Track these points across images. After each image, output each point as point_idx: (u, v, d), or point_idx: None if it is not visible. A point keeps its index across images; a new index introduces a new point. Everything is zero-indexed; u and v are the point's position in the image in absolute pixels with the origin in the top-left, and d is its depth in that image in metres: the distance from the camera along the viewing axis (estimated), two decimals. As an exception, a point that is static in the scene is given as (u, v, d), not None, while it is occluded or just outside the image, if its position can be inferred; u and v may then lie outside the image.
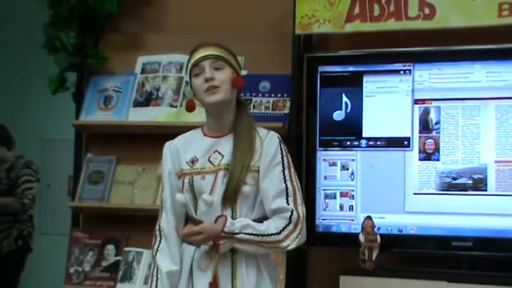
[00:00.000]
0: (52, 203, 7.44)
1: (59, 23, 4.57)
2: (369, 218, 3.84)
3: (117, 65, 4.63)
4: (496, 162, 3.82)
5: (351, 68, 4.10)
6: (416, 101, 3.97)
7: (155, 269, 3.03)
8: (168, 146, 3.10)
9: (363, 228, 3.83)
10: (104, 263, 4.41)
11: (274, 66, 4.30)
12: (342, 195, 4.03)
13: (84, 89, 4.61)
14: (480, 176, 3.84)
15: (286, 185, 2.99)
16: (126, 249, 4.40)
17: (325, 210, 4.04)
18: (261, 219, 2.98)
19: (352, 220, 4.00)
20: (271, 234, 2.93)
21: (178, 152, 3.06)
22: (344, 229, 4.02)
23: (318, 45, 4.31)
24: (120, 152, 4.54)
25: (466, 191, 3.85)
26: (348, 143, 4.04)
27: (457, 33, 3.93)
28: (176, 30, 4.53)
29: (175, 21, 4.59)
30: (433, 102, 3.94)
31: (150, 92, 4.48)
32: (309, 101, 4.15)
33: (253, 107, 4.28)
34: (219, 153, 3.01)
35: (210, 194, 2.96)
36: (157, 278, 3.01)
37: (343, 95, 4.07)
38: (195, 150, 3.04)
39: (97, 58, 4.60)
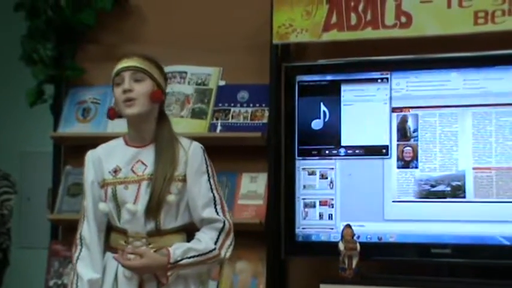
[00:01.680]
0: (32, 217, 7.38)
1: (36, 35, 4.55)
2: (348, 226, 3.84)
3: (95, 76, 4.62)
4: (473, 169, 3.83)
5: (329, 77, 4.11)
6: (394, 109, 3.98)
7: (75, 277, 3.02)
8: (91, 155, 3.12)
9: (342, 236, 3.83)
10: (84, 276, 4.38)
11: (252, 76, 4.30)
12: (321, 204, 4.03)
13: (62, 101, 4.60)
14: (458, 183, 3.85)
15: (213, 194, 3.06)
16: (106, 261, 4.38)
17: (304, 219, 4.05)
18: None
19: (332, 229, 4.01)
20: (212, 250, 3.00)
21: (100, 161, 3.08)
22: (324, 238, 4.02)
23: (296, 54, 4.32)
24: (99, 164, 4.51)
25: (445, 198, 3.86)
26: (327, 151, 4.05)
27: (434, 41, 3.95)
28: (154, 41, 4.52)
29: (153, 32, 4.59)
30: (410, 110, 3.96)
31: (128, 103, 4.47)
32: (287, 111, 4.15)
33: (232, 117, 4.28)
34: (142, 163, 3.04)
35: (134, 203, 2.98)
36: (77, 286, 3.00)
37: (321, 104, 4.07)
38: (117, 159, 3.06)
39: (75, 70, 4.58)
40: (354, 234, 3.82)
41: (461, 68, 3.91)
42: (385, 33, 3.97)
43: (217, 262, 3.10)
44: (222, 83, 4.40)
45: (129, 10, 4.64)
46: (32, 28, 4.57)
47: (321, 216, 4.03)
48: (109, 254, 3.05)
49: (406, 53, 4.01)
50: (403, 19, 3.94)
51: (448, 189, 3.86)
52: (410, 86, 3.98)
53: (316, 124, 4.08)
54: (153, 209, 2.96)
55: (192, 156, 3.03)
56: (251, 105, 4.30)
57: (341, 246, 3.81)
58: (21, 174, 7.16)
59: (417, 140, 3.92)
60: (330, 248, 3.89)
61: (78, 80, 4.62)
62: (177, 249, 2.96)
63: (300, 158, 4.08)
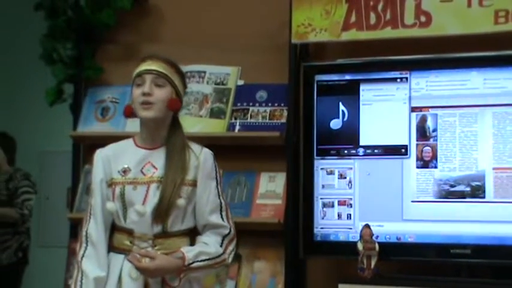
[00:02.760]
0: (51, 216, 7.43)
1: (56, 34, 4.58)
2: (367, 226, 3.83)
3: (114, 76, 4.63)
4: (493, 169, 3.81)
5: (348, 77, 4.10)
6: (413, 109, 3.96)
7: (79, 274, 3.00)
8: (100, 154, 3.12)
9: (361, 236, 3.82)
10: (103, 275, 4.39)
11: (270, 75, 4.30)
12: (340, 203, 4.02)
13: (81, 100, 4.61)
14: (478, 183, 3.83)
15: (220, 200, 3.08)
16: (125, 260, 4.39)
17: (323, 219, 4.04)
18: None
19: (350, 228, 3.99)
20: (221, 255, 3.04)
21: (109, 161, 3.08)
22: (342, 238, 4.01)
23: (315, 54, 4.31)
24: (117, 163, 4.53)
25: (464, 198, 3.84)
26: (346, 151, 4.04)
27: (454, 41, 3.93)
28: (173, 41, 4.53)
29: (172, 31, 4.60)
30: (430, 109, 3.94)
31: (147, 102, 4.48)
32: (305, 110, 4.14)
33: (250, 117, 4.28)
34: (152, 165, 3.04)
35: (142, 204, 2.98)
36: (81, 283, 2.98)
37: (340, 103, 4.06)
38: (126, 160, 3.06)
39: (94, 69, 4.60)
40: (372, 234, 3.81)
41: (482, 68, 3.89)
42: (404, 33, 3.96)
43: (223, 267, 3.13)
44: (240, 82, 4.40)
45: (148, 9, 4.64)
46: (51, 28, 4.59)
47: (339, 216, 4.02)
48: (112, 254, 3.04)
49: (425, 52, 3.99)
50: (423, 18, 3.92)
51: (468, 189, 3.84)
52: (429, 86, 3.96)
53: (335, 124, 4.07)
54: (162, 212, 2.97)
55: (203, 162, 3.05)
56: (270, 104, 4.30)
57: (360, 246, 3.80)
58: (41, 174, 7.21)
59: (436, 140, 3.91)
60: (348, 248, 3.89)
61: (97, 80, 4.64)
62: (189, 252, 2.97)
63: (319, 157, 4.07)
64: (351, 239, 3.96)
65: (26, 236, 5.98)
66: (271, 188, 4.24)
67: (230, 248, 3.08)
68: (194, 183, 3.03)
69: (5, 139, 6.06)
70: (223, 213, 3.08)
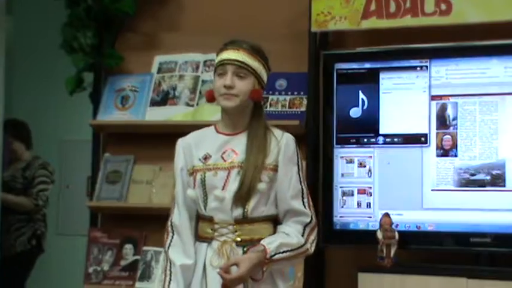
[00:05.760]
0: (70, 204, 7.46)
1: (76, 23, 4.58)
2: (386, 215, 3.83)
3: (133, 64, 4.64)
4: (514, 157, 3.81)
5: (368, 65, 4.09)
6: (433, 97, 3.95)
7: (168, 264, 3.02)
8: (181, 143, 3.10)
9: (380, 225, 3.82)
10: (123, 262, 4.42)
11: (290, 64, 4.29)
12: (360, 192, 4.02)
13: (101, 89, 4.62)
14: (498, 172, 3.82)
15: (301, 186, 3.02)
16: (145, 248, 4.41)
17: (342, 207, 4.04)
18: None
19: (370, 217, 3.99)
20: (303, 245, 2.98)
21: (190, 149, 3.06)
22: (362, 226, 4.01)
23: (334, 42, 4.30)
24: (137, 152, 4.55)
25: (484, 186, 3.83)
26: (365, 140, 4.03)
27: (474, 29, 3.92)
28: (192, 30, 4.54)
29: (192, 20, 4.60)
30: (450, 98, 3.93)
31: (167, 91, 4.49)
32: (325, 99, 4.14)
33: (270, 105, 4.28)
34: (233, 150, 3.01)
35: (222, 190, 2.97)
36: (171, 272, 3.00)
37: (360, 92, 4.06)
38: (207, 146, 3.04)
39: (114, 58, 4.60)
40: (392, 223, 3.81)
41: (502, 56, 3.87)
42: (424, 21, 3.95)
43: (304, 257, 3.08)
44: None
45: (168, -2, 4.66)
46: (71, 16, 4.60)
47: (359, 204, 4.02)
48: (197, 244, 3.04)
49: (445, 40, 3.98)
50: (443, 6, 3.91)
51: (488, 177, 3.83)
52: (449, 74, 3.95)
53: (355, 112, 4.07)
54: (243, 196, 2.94)
55: (285, 146, 3.00)
56: (289, 93, 4.30)
57: (379, 234, 3.80)
58: (60, 162, 7.24)
59: (456, 128, 3.90)
60: (368, 236, 3.89)
61: (117, 68, 4.64)
62: (270, 243, 2.93)
63: (338, 146, 4.07)
64: (370, 228, 3.96)
65: (42, 223, 5.94)
66: (290, 176, 4.23)
67: (312, 237, 3.02)
68: (275, 168, 2.99)
69: (17, 126, 5.98)
70: (305, 200, 3.02)
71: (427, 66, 3.98)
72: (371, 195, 4.00)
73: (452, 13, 3.89)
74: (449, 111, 3.92)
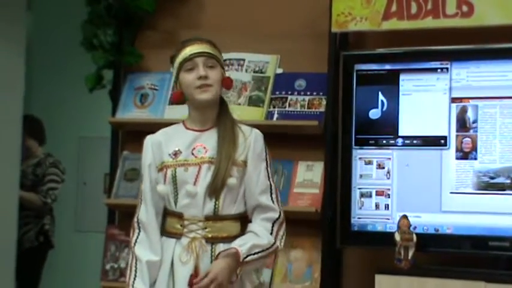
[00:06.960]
0: (88, 201, 7.48)
1: (96, 20, 4.60)
2: (404, 217, 3.81)
3: (153, 62, 4.65)
4: (534, 161, 3.78)
5: (388, 66, 4.07)
6: (453, 100, 3.93)
7: (134, 260, 3.03)
8: (150, 139, 3.13)
9: (398, 227, 3.81)
10: (139, 260, 4.42)
11: (310, 64, 4.29)
12: (378, 194, 4.01)
13: (120, 86, 4.64)
14: (518, 176, 3.80)
15: (269, 182, 3.07)
16: (161, 246, 4.41)
17: (360, 209, 4.02)
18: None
19: (388, 219, 3.98)
20: (273, 244, 3.03)
21: (160, 145, 3.08)
22: (380, 228, 4.00)
23: (354, 43, 4.29)
24: (155, 150, 4.55)
25: (504, 190, 3.81)
26: (384, 141, 4.02)
27: (496, 31, 3.89)
28: (212, 28, 4.52)
29: (211, 18, 4.60)
30: (470, 100, 3.90)
31: (186, 89, 4.49)
32: (344, 99, 4.12)
33: (289, 105, 4.27)
34: (203, 146, 3.04)
35: (193, 185, 2.99)
36: (136, 268, 3.01)
37: (380, 93, 4.04)
38: (177, 143, 3.07)
39: (133, 56, 4.61)
40: (410, 225, 3.80)
41: (524, 59, 3.85)
42: (446, 23, 3.92)
43: (275, 253, 3.10)
44: (279, 70, 4.39)
45: (188, -4, 4.66)
46: (92, 14, 4.61)
47: (377, 206, 4.00)
48: (164, 239, 3.06)
49: (466, 42, 3.96)
50: (465, 8, 3.89)
51: (508, 181, 3.80)
52: (470, 76, 3.93)
53: (374, 113, 4.05)
54: (216, 189, 2.97)
55: (254, 142, 3.04)
56: (308, 93, 4.29)
57: (397, 236, 3.79)
58: (79, 159, 7.26)
59: (477, 131, 3.87)
60: (385, 238, 3.87)
61: (137, 66, 4.65)
62: (242, 246, 2.96)
63: (357, 147, 4.06)
64: (388, 230, 3.94)
65: (50, 218, 5.92)
66: (308, 177, 4.23)
67: (280, 233, 3.06)
68: (244, 164, 3.03)
69: (31, 122, 5.95)
70: (273, 196, 3.07)
71: (447, 68, 3.96)
72: (389, 197, 3.99)
73: (474, 15, 3.87)
74: (470, 114, 3.89)
